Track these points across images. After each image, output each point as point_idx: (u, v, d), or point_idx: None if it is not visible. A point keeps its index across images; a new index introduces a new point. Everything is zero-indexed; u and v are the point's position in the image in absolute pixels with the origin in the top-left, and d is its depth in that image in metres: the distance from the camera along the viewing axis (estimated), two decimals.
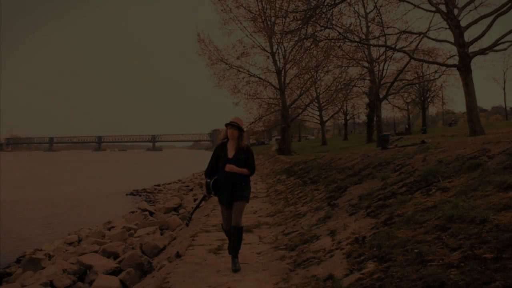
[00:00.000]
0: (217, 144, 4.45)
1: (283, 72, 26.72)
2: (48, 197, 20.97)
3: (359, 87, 30.66)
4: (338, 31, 15.62)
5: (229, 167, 4.24)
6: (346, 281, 3.11)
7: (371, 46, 22.26)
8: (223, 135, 4.40)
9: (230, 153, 4.31)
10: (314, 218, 6.08)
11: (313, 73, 26.97)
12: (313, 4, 13.57)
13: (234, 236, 4.32)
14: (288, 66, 26.55)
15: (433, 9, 13.97)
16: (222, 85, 27.18)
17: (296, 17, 14.43)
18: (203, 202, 5.32)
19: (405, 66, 23.63)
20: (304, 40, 16.79)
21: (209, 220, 7.59)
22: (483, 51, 13.36)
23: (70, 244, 10.20)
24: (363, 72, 26.97)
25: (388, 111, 49.20)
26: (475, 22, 13.11)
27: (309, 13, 13.35)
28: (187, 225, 5.19)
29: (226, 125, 4.35)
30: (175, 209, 13.94)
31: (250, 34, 25.87)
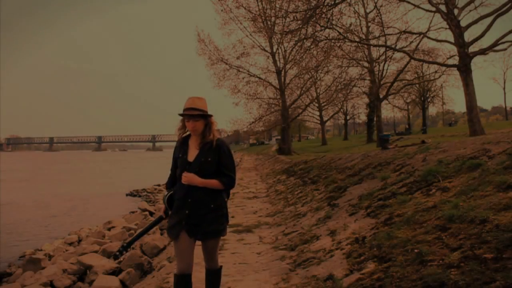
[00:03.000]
0: (178, 139, 2.87)
1: (283, 72, 26.73)
2: (48, 197, 20.97)
3: (359, 87, 30.69)
4: (338, 31, 15.61)
5: (187, 177, 2.64)
6: (346, 281, 3.11)
7: (371, 46, 22.26)
8: (180, 126, 2.82)
9: (192, 153, 2.74)
10: (314, 218, 6.08)
11: (313, 73, 26.97)
12: (313, 4, 13.57)
13: (212, 283, 2.92)
14: (288, 66, 26.56)
15: (433, 9, 13.97)
16: (222, 85, 27.23)
17: (296, 17, 14.43)
18: (155, 227, 3.23)
19: (405, 66, 23.64)
20: (304, 40, 16.78)
21: None
22: (483, 51, 13.37)
23: (70, 244, 10.21)
24: (363, 72, 26.98)
25: (388, 111, 49.22)
26: (475, 22, 13.12)
27: (309, 13, 13.35)
28: (115, 258, 3.27)
29: (182, 115, 2.73)
30: None
31: (250, 34, 25.91)
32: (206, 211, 2.65)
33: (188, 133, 2.82)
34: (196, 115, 2.67)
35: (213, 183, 2.68)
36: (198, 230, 2.66)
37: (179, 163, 2.75)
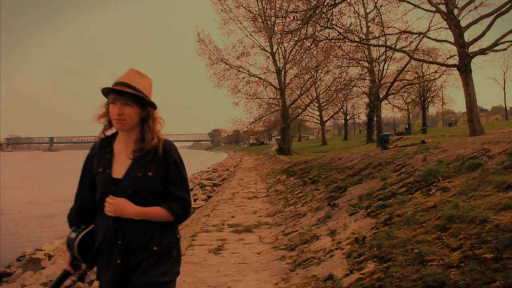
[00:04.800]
0: (96, 142, 1.87)
1: (283, 72, 26.74)
2: (48, 196, 20.97)
3: (359, 87, 30.73)
4: (338, 31, 15.63)
5: (114, 205, 1.68)
6: (346, 281, 3.11)
7: (371, 46, 22.27)
8: (101, 113, 1.79)
9: (120, 165, 1.76)
10: (314, 218, 6.08)
11: (313, 73, 26.97)
12: (313, 4, 13.57)
13: None
14: (288, 66, 26.57)
15: (433, 9, 13.97)
16: (222, 85, 27.25)
17: (296, 17, 14.44)
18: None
19: (405, 66, 23.67)
20: (304, 40, 16.80)
21: (209, 220, 7.59)
22: (483, 51, 13.37)
23: None
24: (363, 72, 26.99)
25: (388, 111, 49.34)
26: (475, 22, 13.12)
27: (309, 13, 13.35)
28: None
29: (107, 90, 1.73)
30: None
31: (250, 34, 25.92)
32: (146, 256, 1.70)
33: (106, 131, 1.82)
34: (128, 94, 1.67)
35: (157, 212, 1.72)
36: (139, 281, 1.68)
37: (99, 183, 1.74)
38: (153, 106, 1.79)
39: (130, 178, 1.72)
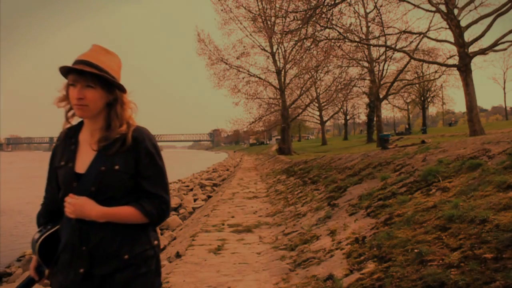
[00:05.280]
0: (60, 134, 1.65)
1: (283, 72, 26.74)
2: None
3: (359, 87, 30.73)
4: (338, 31, 15.63)
5: (74, 205, 1.44)
6: (346, 281, 3.11)
7: (371, 46, 22.28)
8: (61, 97, 1.55)
9: (83, 158, 1.52)
10: (314, 218, 6.08)
11: (313, 73, 26.98)
12: (313, 4, 13.57)
13: None
14: (288, 66, 26.57)
15: (433, 9, 13.98)
16: (222, 85, 27.25)
17: (296, 17, 14.44)
18: None
19: (405, 66, 23.67)
20: (304, 40, 16.81)
21: (209, 220, 7.59)
22: (483, 51, 13.37)
23: None
24: (363, 72, 27.00)
25: (388, 111, 49.37)
26: (475, 22, 13.12)
27: (309, 13, 13.35)
28: None
29: (66, 73, 1.49)
30: (175, 209, 13.94)
31: (250, 34, 25.91)
32: (116, 266, 1.44)
33: (71, 121, 1.59)
34: (89, 74, 1.43)
35: (126, 213, 1.46)
36: None
37: (61, 178, 1.52)
38: (122, 89, 1.52)
39: (93, 173, 1.46)
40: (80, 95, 1.44)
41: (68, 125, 1.60)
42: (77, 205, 1.43)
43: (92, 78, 1.44)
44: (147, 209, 1.49)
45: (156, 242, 1.58)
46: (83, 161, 1.51)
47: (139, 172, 1.51)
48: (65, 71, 1.47)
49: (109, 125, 1.51)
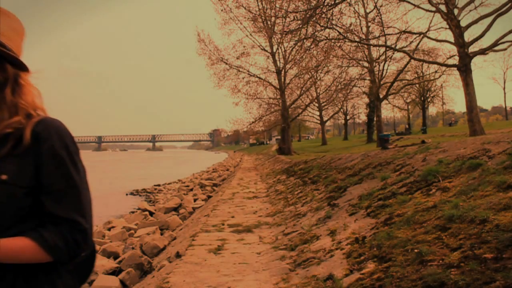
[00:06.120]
0: None
1: (283, 72, 26.75)
2: None
3: (359, 87, 30.77)
4: (338, 31, 15.63)
5: None
6: (346, 281, 3.12)
7: (371, 46, 22.27)
8: None
9: None
10: (314, 218, 6.08)
11: (313, 73, 26.99)
12: (313, 4, 13.58)
13: None
14: (288, 66, 26.58)
15: (433, 9, 13.98)
16: (222, 85, 27.28)
17: (296, 17, 14.44)
18: None
19: (405, 66, 23.67)
20: (304, 40, 16.80)
21: (209, 220, 7.59)
22: (483, 51, 13.37)
23: None
24: (363, 72, 27.01)
25: (388, 111, 49.39)
26: (475, 22, 13.13)
27: (309, 13, 13.36)
28: None
29: None
30: (175, 209, 13.94)
31: (250, 34, 25.93)
32: None
33: None
34: None
35: (17, 248, 0.94)
36: None
37: None
38: (19, 66, 1.04)
39: None
40: None
41: None
42: None
43: None
44: (49, 241, 0.97)
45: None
46: None
47: (41, 185, 1.00)
48: None
49: None
